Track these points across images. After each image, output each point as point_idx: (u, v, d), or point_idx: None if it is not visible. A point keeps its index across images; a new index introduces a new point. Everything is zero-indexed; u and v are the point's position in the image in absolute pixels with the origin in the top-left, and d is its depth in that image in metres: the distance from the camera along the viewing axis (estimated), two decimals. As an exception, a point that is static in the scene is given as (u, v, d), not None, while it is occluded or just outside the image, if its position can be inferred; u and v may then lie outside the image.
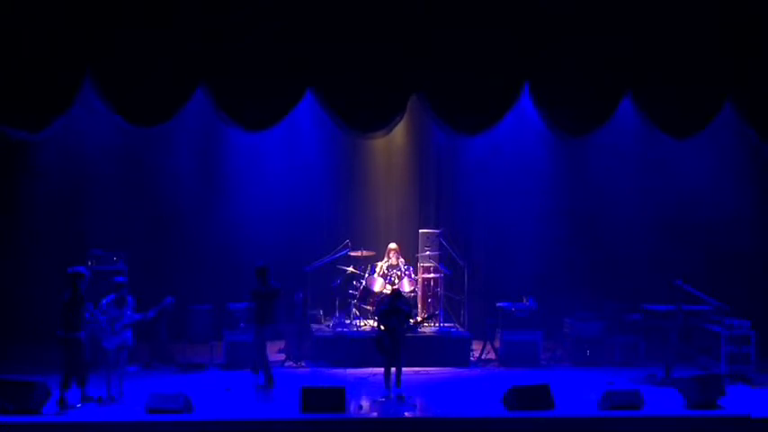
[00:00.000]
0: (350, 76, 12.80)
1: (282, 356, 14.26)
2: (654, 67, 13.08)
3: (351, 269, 15.04)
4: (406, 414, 11.29)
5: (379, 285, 14.76)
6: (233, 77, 12.65)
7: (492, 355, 14.47)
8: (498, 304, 14.55)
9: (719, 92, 13.22)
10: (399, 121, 13.46)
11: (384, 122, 13.23)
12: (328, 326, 14.90)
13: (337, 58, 12.74)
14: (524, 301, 14.56)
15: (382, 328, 11.97)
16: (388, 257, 15.12)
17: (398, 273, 14.99)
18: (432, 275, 15.15)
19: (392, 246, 15.19)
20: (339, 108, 13.00)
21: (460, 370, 13.85)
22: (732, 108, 13.31)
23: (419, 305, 15.11)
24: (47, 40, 12.16)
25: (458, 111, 13.13)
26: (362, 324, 14.67)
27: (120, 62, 12.35)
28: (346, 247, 14.94)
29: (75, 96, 12.43)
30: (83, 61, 12.29)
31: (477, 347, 14.59)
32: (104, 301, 11.58)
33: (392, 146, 16.52)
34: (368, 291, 14.75)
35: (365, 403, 11.62)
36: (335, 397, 10.95)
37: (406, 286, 14.76)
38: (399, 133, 16.43)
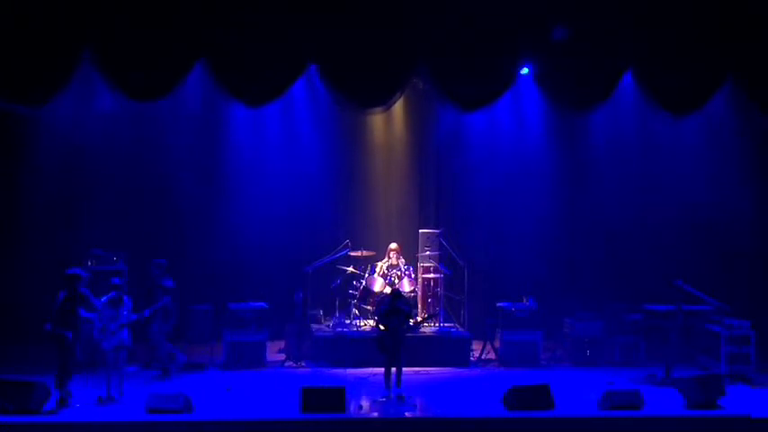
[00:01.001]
0: (351, 50, 12.87)
1: (282, 356, 14.26)
2: (655, 42, 13.18)
3: (351, 269, 15.03)
4: (406, 414, 11.28)
5: (379, 285, 14.76)
6: (232, 52, 12.73)
7: (492, 355, 14.46)
8: (498, 304, 14.55)
9: (720, 67, 13.29)
10: (400, 96, 13.57)
11: (385, 97, 13.32)
12: (328, 326, 14.90)
13: (338, 31, 12.80)
14: (524, 301, 14.55)
15: (382, 328, 11.96)
16: (389, 257, 15.12)
17: (398, 273, 14.99)
18: (432, 275, 15.14)
19: (393, 246, 15.19)
20: (339, 82, 13.04)
21: (460, 370, 13.84)
22: (734, 83, 13.36)
23: (419, 305, 15.10)
24: (46, 13, 12.21)
25: (459, 84, 13.23)
26: (362, 324, 14.66)
27: (118, 36, 12.42)
28: (346, 247, 14.93)
29: (75, 70, 12.54)
30: (81, 34, 12.36)
31: (477, 347, 14.58)
32: (100, 302, 11.56)
33: (392, 145, 16.55)
34: (368, 291, 14.74)
35: (365, 403, 11.61)
36: (335, 397, 10.94)
37: (406, 286, 14.75)
38: (399, 133, 16.52)
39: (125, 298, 11.69)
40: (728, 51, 13.22)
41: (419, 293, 15.16)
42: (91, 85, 14.64)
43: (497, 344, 14.45)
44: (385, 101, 13.44)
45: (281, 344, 14.57)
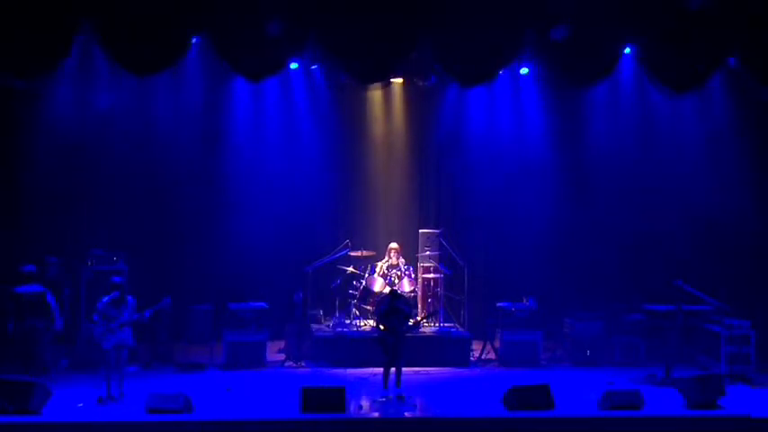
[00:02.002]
0: (351, 23, 12.92)
1: (282, 356, 14.26)
2: (656, 17, 13.18)
3: (351, 269, 15.03)
4: (406, 414, 11.28)
5: (379, 285, 14.75)
6: (233, 25, 12.79)
7: (492, 355, 14.46)
8: (498, 304, 14.54)
9: (723, 44, 13.29)
10: (399, 72, 13.96)
11: (385, 72, 13.49)
12: (328, 326, 14.89)
13: (339, 4, 12.85)
14: (524, 301, 14.55)
15: (382, 328, 11.95)
16: (389, 257, 15.11)
17: (398, 273, 14.98)
18: (432, 275, 15.14)
19: (393, 245, 15.18)
20: (339, 55, 13.16)
21: (460, 370, 13.84)
22: (736, 60, 13.43)
23: (419, 305, 15.10)
24: None
25: (459, 60, 13.33)
26: (362, 324, 14.66)
27: (117, 7, 12.48)
28: (346, 247, 14.93)
29: (73, 41, 12.67)
30: (80, 6, 12.47)
31: (477, 347, 14.58)
32: (102, 302, 11.55)
33: (392, 145, 16.56)
34: (368, 291, 14.74)
35: (365, 403, 11.61)
36: (335, 397, 10.93)
37: (406, 286, 14.75)
38: (399, 133, 16.52)
39: (128, 298, 11.68)
40: (731, 28, 13.21)
41: (419, 293, 15.16)
42: (91, 83, 14.74)
43: (497, 344, 14.45)
44: (384, 75, 13.50)
45: (281, 344, 14.57)
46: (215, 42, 12.94)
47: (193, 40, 13.68)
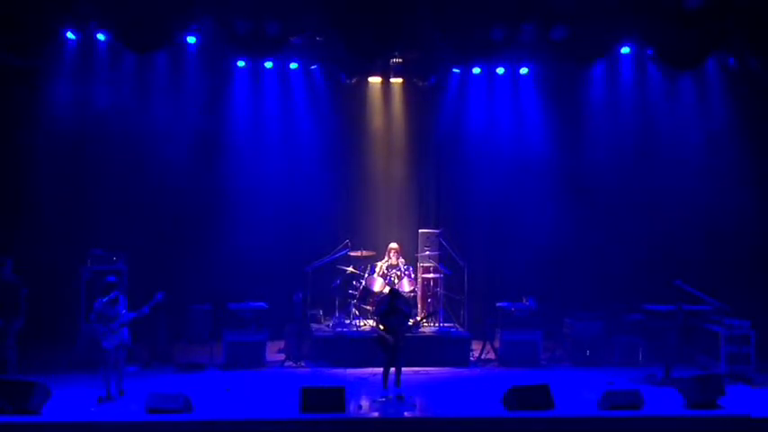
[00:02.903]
0: (352, 12, 13.02)
1: (282, 356, 14.26)
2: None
3: (351, 269, 15.03)
4: (406, 414, 11.29)
5: (378, 285, 14.75)
6: (235, 5, 12.94)
7: (492, 355, 14.46)
8: (498, 304, 14.54)
9: (720, 22, 13.31)
10: (401, 49, 14.23)
11: (388, 50, 13.73)
12: (328, 326, 14.89)
13: None
14: (524, 301, 14.55)
15: (381, 328, 11.96)
16: (389, 257, 15.11)
17: (398, 273, 14.98)
18: (432, 275, 15.14)
19: (393, 245, 15.19)
20: (343, 33, 13.27)
21: (460, 370, 13.83)
22: (734, 39, 13.45)
23: (419, 305, 15.10)
24: None
25: (459, 37, 13.46)
26: (362, 324, 14.66)
27: None
28: (346, 247, 14.93)
29: (68, 18, 12.95)
30: None
31: (476, 347, 14.58)
32: (100, 302, 11.53)
33: (392, 145, 16.56)
34: (368, 291, 14.74)
35: (365, 403, 11.61)
36: (335, 397, 10.93)
37: (406, 286, 14.75)
38: (399, 133, 16.52)
39: (121, 297, 11.67)
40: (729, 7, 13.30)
41: (419, 293, 15.16)
42: (91, 83, 14.76)
43: (497, 344, 14.45)
44: (388, 52, 13.90)
45: (281, 344, 14.56)
46: (219, 23, 13.05)
47: (193, 39, 13.76)
